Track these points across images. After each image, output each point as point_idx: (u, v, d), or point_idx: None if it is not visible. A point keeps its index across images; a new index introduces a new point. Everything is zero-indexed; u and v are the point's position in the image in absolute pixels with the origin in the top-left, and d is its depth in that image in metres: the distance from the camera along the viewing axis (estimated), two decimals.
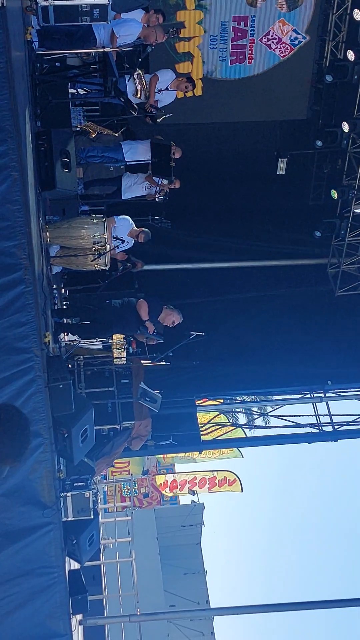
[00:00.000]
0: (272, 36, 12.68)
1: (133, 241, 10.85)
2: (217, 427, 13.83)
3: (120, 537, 15.49)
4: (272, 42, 12.75)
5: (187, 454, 20.38)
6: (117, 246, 10.34)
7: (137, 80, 10.05)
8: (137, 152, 11.45)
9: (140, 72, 9.79)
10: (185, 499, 24.73)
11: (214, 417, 13.86)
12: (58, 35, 9.12)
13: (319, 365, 13.26)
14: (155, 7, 10.66)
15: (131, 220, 10.71)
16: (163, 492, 23.36)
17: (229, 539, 71.23)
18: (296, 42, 12.79)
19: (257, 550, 73.06)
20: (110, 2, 8.31)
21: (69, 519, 10.07)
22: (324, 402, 13.33)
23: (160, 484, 23.22)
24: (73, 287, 11.12)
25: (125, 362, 11.38)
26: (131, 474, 19.89)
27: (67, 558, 10.08)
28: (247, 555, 72.94)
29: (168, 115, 10.78)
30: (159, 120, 10.86)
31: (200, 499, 24.46)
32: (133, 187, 11.60)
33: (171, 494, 23.67)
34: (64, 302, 11.57)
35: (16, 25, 7.19)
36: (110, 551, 15.80)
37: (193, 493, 23.16)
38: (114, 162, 11.52)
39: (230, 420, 15.97)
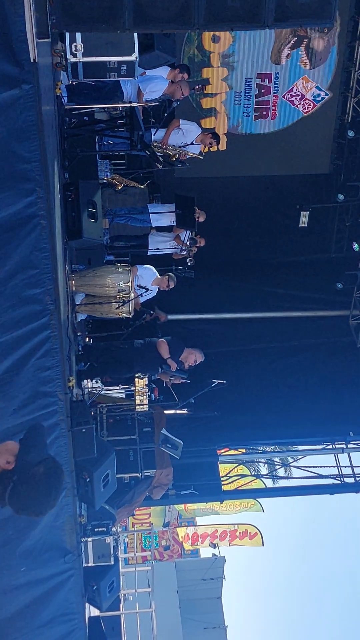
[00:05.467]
0: (295, 93, 12.96)
1: (157, 290, 10.99)
2: (238, 477, 13.84)
3: (140, 588, 15.35)
4: (295, 98, 13.02)
5: (208, 505, 20.28)
6: (142, 294, 10.48)
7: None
8: (163, 217, 11.67)
9: None
10: (206, 552, 24.49)
11: (234, 467, 13.87)
12: (86, 90, 9.32)
13: (340, 416, 13.23)
14: (180, 65, 10.95)
15: (154, 270, 10.85)
16: (184, 545, 23.20)
17: (250, 593, 70.09)
18: (319, 98, 13.06)
19: (278, 604, 71.95)
20: (138, 59, 8.59)
21: (90, 565, 10.07)
22: (346, 453, 13.33)
23: (182, 536, 23.06)
24: (97, 334, 11.20)
25: (147, 409, 11.42)
26: (152, 525, 19.78)
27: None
28: (269, 609, 71.70)
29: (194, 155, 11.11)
30: (180, 164, 11.13)
31: (221, 552, 24.20)
32: (159, 245, 11.72)
33: (192, 547, 23.50)
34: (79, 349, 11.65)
35: (46, 80, 7.44)
36: (130, 603, 15.66)
37: (214, 546, 22.99)
38: (140, 223, 11.66)
39: (252, 471, 15.94)
